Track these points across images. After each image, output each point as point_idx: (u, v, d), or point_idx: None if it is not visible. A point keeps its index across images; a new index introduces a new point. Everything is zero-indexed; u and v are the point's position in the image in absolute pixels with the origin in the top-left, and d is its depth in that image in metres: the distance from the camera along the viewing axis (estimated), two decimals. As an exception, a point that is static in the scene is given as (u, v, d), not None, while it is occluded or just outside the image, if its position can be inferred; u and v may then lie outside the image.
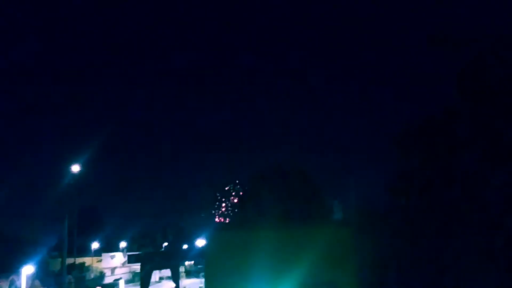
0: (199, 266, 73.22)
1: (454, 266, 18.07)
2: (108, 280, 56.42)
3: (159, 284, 63.80)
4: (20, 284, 40.65)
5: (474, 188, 18.54)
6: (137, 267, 62.39)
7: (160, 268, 46.74)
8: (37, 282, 45.94)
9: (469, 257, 17.85)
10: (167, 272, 64.98)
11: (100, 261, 70.08)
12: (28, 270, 41.11)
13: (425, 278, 18.40)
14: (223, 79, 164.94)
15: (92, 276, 58.43)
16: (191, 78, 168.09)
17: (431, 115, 20.68)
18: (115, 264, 70.04)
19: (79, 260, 62.85)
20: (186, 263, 73.63)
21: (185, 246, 47.30)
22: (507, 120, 18.22)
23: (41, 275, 49.00)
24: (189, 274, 73.18)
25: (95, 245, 79.10)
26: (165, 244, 53.42)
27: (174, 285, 32.64)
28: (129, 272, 68.69)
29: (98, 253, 75.65)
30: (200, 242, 42.43)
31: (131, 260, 44.93)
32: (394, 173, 21.22)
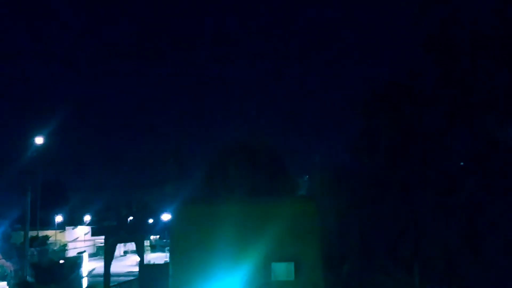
0: (164, 241, 73.53)
1: (414, 228, 18.27)
2: (71, 253, 56.10)
3: (124, 257, 63.86)
4: (-19, 256, 40.17)
5: (437, 148, 18.75)
6: (100, 240, 62.18)
7: (124, 242, 46.59)
8: (-2, 255, 45.46)
9: (429, 219, 18.09)
10: (131, 246, 65.01)
11: (63, 233, 69.58)
12: (-11, 242, 40.63)
13: (386, 242, 18.62)
14: (191, 50, 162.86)
15: (55, 249, 57.94)
16: (156, 49, 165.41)
17: (395, 77, 20.81)
18: (79, 237, 69.64)
19: (42, 233, 62.22)
20: (151, 237, 73.87)
21: (150, 220, 47.26)
22: (471, 81, 18.43)
23: (3, 247, 48.44)
24: (154, 248, 73.55)
25: (58, 218, 78.36)
26: (130, 218, 53.19)
27: (138, 259, 32.61)
28: (93, 245, 68.42)
29: (61, 226, 75.00)
30: (165, 216, 42.42)
31: (95, 233, 44.81)
32: (357, 132, 21.33)
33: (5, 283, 38.04)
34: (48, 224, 72.76)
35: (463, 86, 18.51)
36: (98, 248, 66.44)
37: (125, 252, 68.88)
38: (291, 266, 18.80)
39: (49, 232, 65.20)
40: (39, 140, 47.49)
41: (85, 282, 34.45)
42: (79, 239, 68.01)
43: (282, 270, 18.73)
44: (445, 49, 18.91)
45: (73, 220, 79.49)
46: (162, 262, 39.31)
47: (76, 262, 35.12)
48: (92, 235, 56.75)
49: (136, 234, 27.96)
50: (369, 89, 21.53)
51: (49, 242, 60.19)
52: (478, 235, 17.53)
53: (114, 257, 27.40)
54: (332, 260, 18.58)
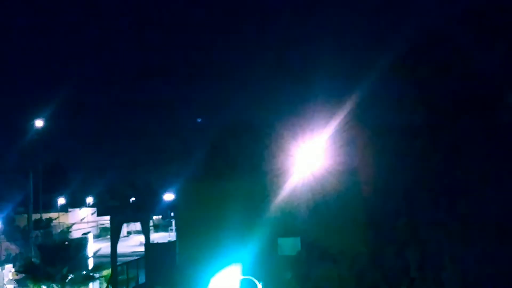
0: (166, 220, 73.88)
1: (466, 186, 17.20)
2: (76, 234, 56.39)
3: (127, 238, 64.17)
4: (-14, 240, 40.46)
5: (494, 99, 17.56)
6: (104, 221, 62.43)
7: (130, 221, 46.85)
8: (2, 238, 45.72)
9: (483, 175, 17.12)
10: (134, 227, 65.39)
11: (67, 215, 69.81)
12: (-7, 226, 40.92)
13: (442, 198, 17.63)
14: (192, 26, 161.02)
15: (59, 231, 58.25)
16: (157, 23, 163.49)
17: (437, 29, 19.62)
18: (85, 217, 69.98)
19: (45, 215, 62.43)
20: (154, 217, 74.19)
21: (153, 200, 47.44)
22: None
23: (7, 230, 48.76)
24: (157, 228, 73.87)
25: (61, 200, 78.57)
26: (133, 198, 53.47)
27: (142, 239, 32.72)
28: (96, 227, 68.72)
29: (64, 208, 75.21)
30: (168, 196, 42.63)
31: (100, 212, 44.89)
32: (402, 86, 19.85)
33: (10, 265, 38.25)
34: (51, 206, 72.93)
35: None
36: (102, 229, 66.76)
37: (129, 233, 69.23)
38: (297, 241, 18.99)
39: (52, 215, 65.44)
40: (39, 123, 47.47)
41: (91, 262, 34.69)
42: (84, 220, 68.33)
43: (289, 245, 18.91)
44: None
45: (76, 202, 79.69)
46: (166, 241, 39.55)
47: (81, 243, 35.31)
48: (98, 215, 56.95)
49: (141, 213, 28.08)
50: (416, 38, 20.16)
51: (52, 224, 60.49)
52: None
53: (119, 237, 27.57)
54: (377, 219, 17.98)
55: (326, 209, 18.58)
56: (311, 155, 21.46)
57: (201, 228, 19.32)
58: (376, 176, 18.61)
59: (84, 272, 30.73)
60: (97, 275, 31.51)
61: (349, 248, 17.80)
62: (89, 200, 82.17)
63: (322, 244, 18.10)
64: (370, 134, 19.48)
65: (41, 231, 52.76)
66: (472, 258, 16.59)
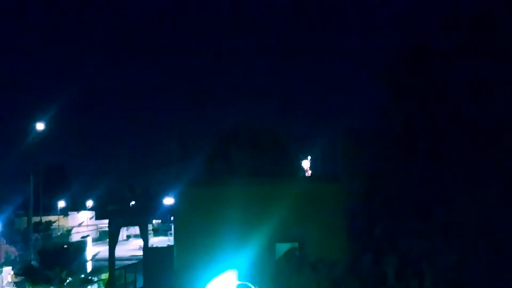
0: (166, 224, 73.82)
1: (445, 193, 17.30)
2: (75, 237, 56.42)
3: (126, 242, 64.17)
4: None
5: (471, 107, 17.71)
6: (103, 225, 62.45)
7: (128, 225, 46.85)
8: (2, 240, 45.75)
9: (464, 183, 17.18)
10: (134, 231, 65.40)
11: (67, 218, 69.85)
12: (-7, 228, 40.94)
13: (417, 206, 17.74)
14: (191, 28, 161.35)
15: (59, 234, 58.31)
16: (155, 31, 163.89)
17: (420, 41, 19.79)
18: (84, 221, 69.99)
19: (45, 218, 62.50)
20: (154, 221, 74.16)
21: (153, 204, 47.38)
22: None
23: (7, 233, 48.81)
24: (157, 232, 73.90)
25: (61, 203, 78.63)
26: (133, 202, 53.47)
27: (141, 243, 32.71)
28: (96, 230, 68.77)
29: (64, 211, 75.28)
30: (168, 200, 42.60)
31: (99, 216, 44.85)
32: (384, 96, 20.10)
33: (10, 267, 38.25)
34: (51, 209, 73.00)
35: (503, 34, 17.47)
36: (101, 232, 66.78)
37: (128, 237, 69.25)
38: (295, 246, 19.02)
39: (52, 218, 65.53)
40: (40, 126, 47.50)
41: (89, 266, 34.67)
42: (83, 223, 68.37)
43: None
44: None
45: (76, 205, 79.80)
46: (165, 245, 39.54)
47: (80, 246, 35.25)
48: (96, 219, 56.89)
49: (140, 218, 28.11)
50: (395, 51, 20.35)
51: (52, 227, 60.51)
52: None
53: (118, 241, 27.62)
54: (357, 228, 18.10)
55: (307, 216, 18.72)
56: (304, 161, 21.61)
57: (199, 233, 19.36)
58: (355, 183, 18.77)
59: (83, 276, 30.69)
60: (95, 279, 31.48)
61: (327, 255, 17.79)
62: (89, 203, 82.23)
63: (302, 252, 18.21)
64: (351, 142, 19.68)
65: (41, 234, 52.84)
66: (450, 267, 16.63)
